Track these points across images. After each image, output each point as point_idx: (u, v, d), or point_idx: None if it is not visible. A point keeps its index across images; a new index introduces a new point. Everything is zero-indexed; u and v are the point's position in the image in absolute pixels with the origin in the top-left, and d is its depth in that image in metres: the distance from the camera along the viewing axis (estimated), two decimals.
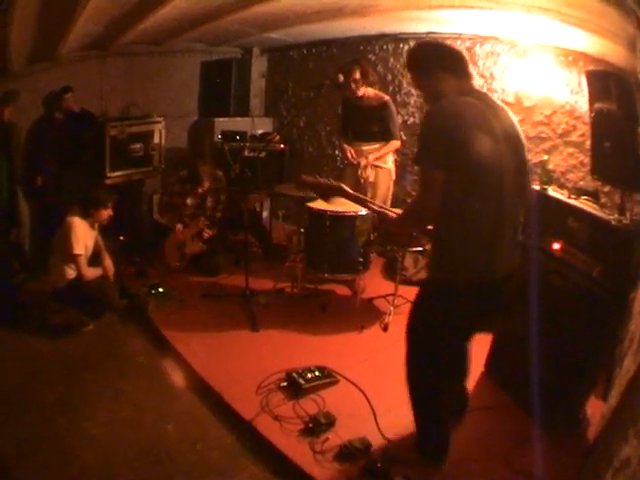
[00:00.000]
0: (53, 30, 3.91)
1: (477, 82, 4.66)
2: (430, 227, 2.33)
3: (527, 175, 2.25)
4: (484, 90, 2.22)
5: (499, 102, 2.23)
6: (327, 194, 2.73)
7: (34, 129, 4.88)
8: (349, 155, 4.50)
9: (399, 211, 2.45)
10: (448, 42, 2.33)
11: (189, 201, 4.90)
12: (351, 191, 2.56)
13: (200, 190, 4.86)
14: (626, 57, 2.61)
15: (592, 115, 2.99)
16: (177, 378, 3.26)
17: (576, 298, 2.68)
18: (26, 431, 2.69)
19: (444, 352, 2.32)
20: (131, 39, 5.04)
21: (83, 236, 3.79)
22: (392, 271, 4.72)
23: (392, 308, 3.97)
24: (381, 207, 2.60)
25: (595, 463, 1.78)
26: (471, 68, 2.24)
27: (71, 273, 3.80)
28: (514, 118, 2.20)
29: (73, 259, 3.75)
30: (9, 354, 3.44)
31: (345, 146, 4.60)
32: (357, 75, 4.25)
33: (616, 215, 2.60)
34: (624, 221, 2.52)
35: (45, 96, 4.86)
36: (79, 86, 5.06)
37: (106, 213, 3.94)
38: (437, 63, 2.20)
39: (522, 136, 2.20)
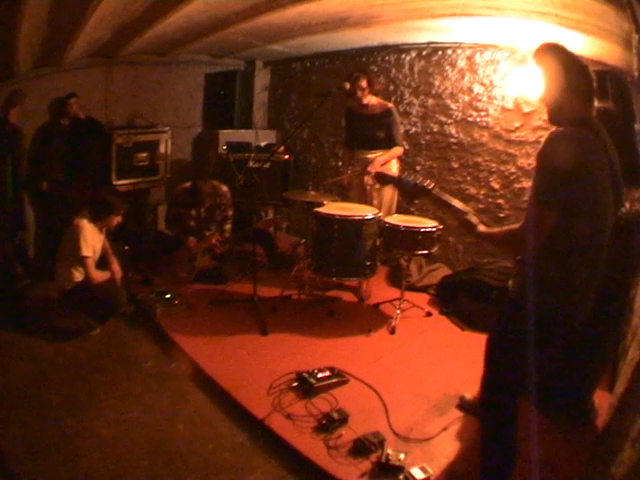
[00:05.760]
0: (61, 33, 3.89)
1: (477, 90, 4.75)
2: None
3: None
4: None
5: (605, 133, 2.02)
6: (412, 193, 2.41)
7: (40, 134, 4.88)
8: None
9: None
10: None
11: (194, 212, 4.88)
12: (439, 194, 2.30)
13: (202, 210, 4.89)
14: (622, 55, 2.68)
15: None
16: (186, 380, 3.24)
17: None
18: (32, 432, 2.65)
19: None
20: (137, 48, 5.08)
21: (91, 239, 3.75)
22: (396, 278, 4.78)
23: (399, 312, 3.99)
24: (464, 209, 2.28)
25: (610, 442, 1.79)
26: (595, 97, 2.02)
27: (78, 276, 3.75)
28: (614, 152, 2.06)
29: (81, 261, 3.69)
30: (13, 357, 3.40)
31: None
32: (363, 83, 4.33)
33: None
34: (624, 210, 2.56)
35: (51, 102, 4.88)
36: (84, 93, 5.10)
37: (116, 220, 3.91)
38: (569, 76, 1.95)
39: (619, 174, 2.06)
